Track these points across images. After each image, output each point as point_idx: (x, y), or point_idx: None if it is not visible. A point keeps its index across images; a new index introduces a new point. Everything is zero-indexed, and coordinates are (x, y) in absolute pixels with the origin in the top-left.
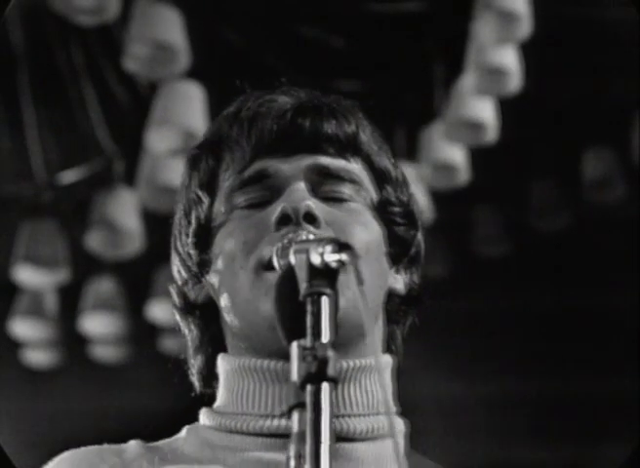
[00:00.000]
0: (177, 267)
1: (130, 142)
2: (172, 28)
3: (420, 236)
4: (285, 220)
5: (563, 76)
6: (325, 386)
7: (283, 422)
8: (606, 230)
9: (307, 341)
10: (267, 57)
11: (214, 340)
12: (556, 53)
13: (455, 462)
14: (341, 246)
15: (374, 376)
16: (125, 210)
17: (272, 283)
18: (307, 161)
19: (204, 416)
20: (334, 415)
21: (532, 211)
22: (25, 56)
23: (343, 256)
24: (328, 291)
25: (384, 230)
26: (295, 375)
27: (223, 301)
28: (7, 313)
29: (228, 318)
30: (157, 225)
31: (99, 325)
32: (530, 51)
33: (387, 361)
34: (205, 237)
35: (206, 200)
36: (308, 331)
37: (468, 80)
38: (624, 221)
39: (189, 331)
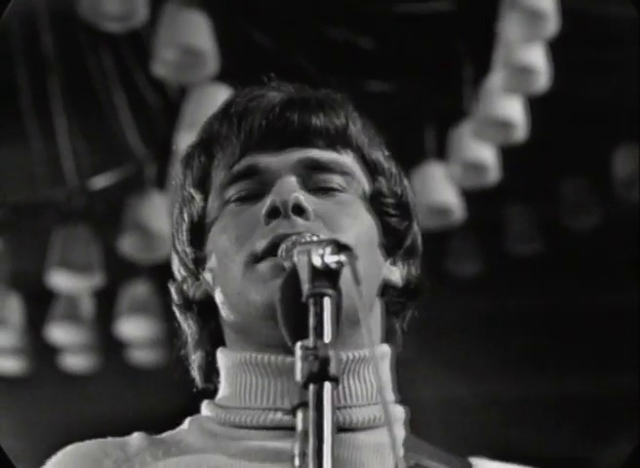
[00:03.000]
0: (176, 265)
1: (161, 146)
2: (200, 33)
3: (415, 227)
4: (274, 213)
5: (593, 74)
6: (327, 385)
7: (286, 416)
8: (637, 228)
9: (310, 341)
10: (297, 59)
11: (212, 336)
12: (586, 50)
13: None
14: (341, 247)
15: (369, 367)
16: (157, 213)
17: (263, 273)
18: (297, 154)
19: (206, 409)
20: (340, 407)
21: (563, 209)
22: (57, 62)
23: (342, 258)
24: (330, 291)
25: (377, 221)
26: (298, 375)
27: (218, 296)
28: (43, 318)
29: (224, 312)
30: None
31: (135, 328)
32: (559, 48)
33: (385, 351)
34: (199, 234)
35: (198, 198)
36: (311, 331)
37: (496, 79)
38: None
39: (188, 328)
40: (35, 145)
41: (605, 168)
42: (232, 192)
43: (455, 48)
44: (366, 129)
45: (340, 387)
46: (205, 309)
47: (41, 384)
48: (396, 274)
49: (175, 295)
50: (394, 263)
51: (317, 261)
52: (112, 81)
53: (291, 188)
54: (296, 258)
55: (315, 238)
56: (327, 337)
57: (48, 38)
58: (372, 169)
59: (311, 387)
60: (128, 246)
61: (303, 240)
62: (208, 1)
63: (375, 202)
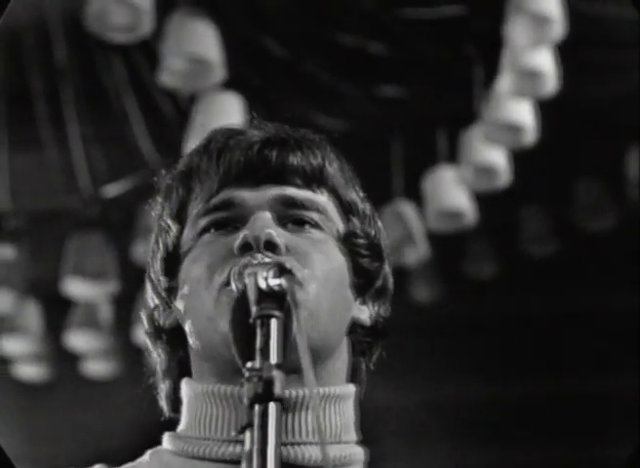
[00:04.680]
0: (149, 293)
1: (174, 154)
2: (207, 42)
3: (387, 268)
4: (246, 248)
5: (603, 75)
6: (272, 406)
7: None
8: None
9: (256, 363)
10: (307, 65)
11: (181, 365)
12: (595, 52)
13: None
14: (282, 270)
15: (337, 405)
16: None
17: (234, 298)
18: (273, 191)
19: (167, 441)
20: (293, 443)
21: (577, 210)
22: (69, 71)
23: (283, 282)
24: (277, 313)
25: (349, 261)
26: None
27: (187, 324)
28: (62, 324)
29: (191, 340)
30: None
31: None
32: (568, 51)
33: (350, 390)
34: (173, 264)
35: (174, 228)
36: (257, 352)
37: (505, 82)
38: None
39: (158, 356)
40: (50, 153)
41: (618, 169)
42: (206, 221)
43: (465, 51)
44: (343, 170)
45: (298, 423)
46: (174, 338)
47: (62, 390)
48: (365, 313)
49: (145, 323)
50: (364, 303)
51: (262, 284)
52: (125, 88)
53: (264, 224)
54: (246, 280)
55: (266, 260)
56: (273, 358)
57: (61, 46)
58: (346, 209)
59: (256, 408)
60: (143, 252)
61: (255, 261)
62: (218, 9)
63: (347, 242)
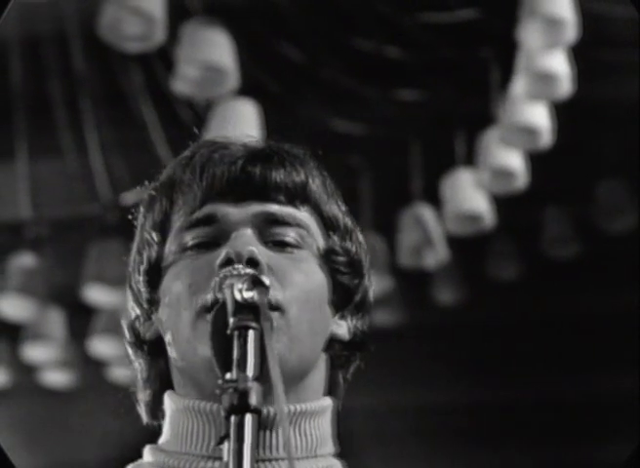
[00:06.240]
0: (130, 303)
1: None
2: (221, 49)
3: (366, 283)
4: (228, 265)
5: (618, 76)
6: (248, 417)
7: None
8: None
9: (233, 374)
10: (324, 69)
11: (161, 376)
12: (610, 53)
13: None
14: (255, 283)
15: (312, 420)
16: None
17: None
18: (256, 208)
19: (148, 453)
20: (273, 458)
21: (599, 211)
22: (88, 79)
23: (255, 295)
24: (254, 324)
25: (329, 278)
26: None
27: (167, 339)
28: (84, 332)
29: (172, 355)
30: None
31: None
32: (584, 52)
33: (327, 404)
34: (155, 276)
35: (157, 240)
36: (234, 363)
37: (520, 85)
38: None
39: (139, 365)
40: (69, 161)
41: (637, 169)
42: (189, 238)
43: (481, 54)
44: (325, 185)
45: (275, 440)
46: (155, 349)
47: (87, 396)
48: (343, 328)
49: (127, 333)
50: (342, 317)
51: (237, 295)
52: (143, 95)
53: (246, 241)
54: (225, 292)
55: (247, 270)
56: (249, 370)
57: (78, 54)
58: (328, 225)
59: (232, 419)
60: None
61: (235, 272)
62: (234, 15)
63: (327, 259)
